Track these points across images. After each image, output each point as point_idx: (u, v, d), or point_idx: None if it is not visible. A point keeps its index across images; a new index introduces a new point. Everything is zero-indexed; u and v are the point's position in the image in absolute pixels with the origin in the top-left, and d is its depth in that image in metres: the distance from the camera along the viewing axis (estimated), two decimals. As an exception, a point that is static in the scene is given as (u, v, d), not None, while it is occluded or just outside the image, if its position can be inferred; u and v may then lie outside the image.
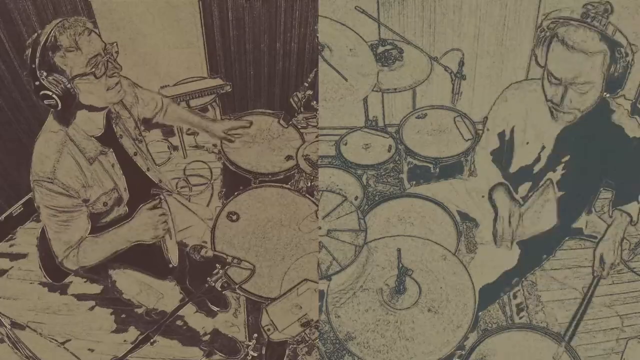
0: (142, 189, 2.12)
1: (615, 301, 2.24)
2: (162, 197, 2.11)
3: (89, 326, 2.27)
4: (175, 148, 2.63)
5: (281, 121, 2.47)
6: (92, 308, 2.32)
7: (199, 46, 2.52)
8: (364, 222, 2.15)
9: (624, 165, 2.10)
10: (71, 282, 2.32)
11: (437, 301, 1.98)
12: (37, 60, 1.76)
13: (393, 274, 2.04)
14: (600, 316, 2.22)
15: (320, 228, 2.15)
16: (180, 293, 2.22)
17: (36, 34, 1.79)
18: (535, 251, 2.22)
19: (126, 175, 2.06)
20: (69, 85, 1.80)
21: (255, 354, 2.19)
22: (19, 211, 2.55)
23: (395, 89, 2.42)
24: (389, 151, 2.48)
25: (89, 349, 2.21)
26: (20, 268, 2.42)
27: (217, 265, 1.99)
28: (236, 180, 2.35)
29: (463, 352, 1.99)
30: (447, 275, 2.04)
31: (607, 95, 2.00)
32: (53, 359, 2.18)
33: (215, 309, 2.33)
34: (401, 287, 2.00)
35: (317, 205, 2.21)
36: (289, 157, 2.38)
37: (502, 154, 2.21)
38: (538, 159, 2.15)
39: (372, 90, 2.35)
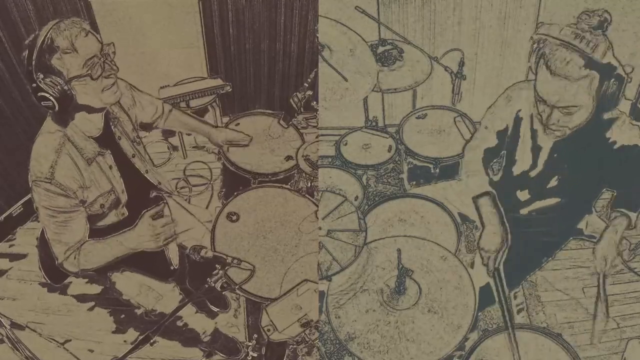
0: (140, 191, 2.11)
1: (616, 301, 2.24)
2: (165, 201, 2.10)
3: (88, 326, 2.27)
4: (175, 148, 2.63)
5: (281, 121, 2.47)
6: (91, 308, 2.31)
7: (199, 46, 2.52)
8: (364, 223, 2.15)
9: (622, 173, 2.07)
10: (71, 282, 2.32)
11: (437, 302, 1.98)
12: (33, 63, 1.76)
13: (393, 275, 2.04)
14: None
15: (320, 228, 2.14)
16: (180, 294, 2.22)
17: (33, 35, 1.78)
18: (536, 252, 2.22)
19: (125, 177, 2.06)
20: (66, 87, 1.80)
21: (255, 354, 2.19)
22: (18, 211, 2.55)
23: (395, 89, 2.41)
24: (389, 151, 2.48)
25: (89, 350, 2.21)
26: (20, 268, 2.42)
27: (217, 265, 1.99)
28: (236, 181, 2.35)
29: (463, 353, 1.99)
30: (447, 275, 2.04)
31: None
32: (53, 360, 2.19)
33: (215, 309, 2.33)
34: (401, 287, 2.00)
35: (317, 206, 2.21)
36: (288, 158, 2.38)
37: (497, 154, 2.19)
38: (535, 165, 2.13)
39: (372, 90, 2.34)
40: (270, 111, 2.56)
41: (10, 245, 2.52)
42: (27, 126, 2.38)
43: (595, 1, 2.02)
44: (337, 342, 2.00)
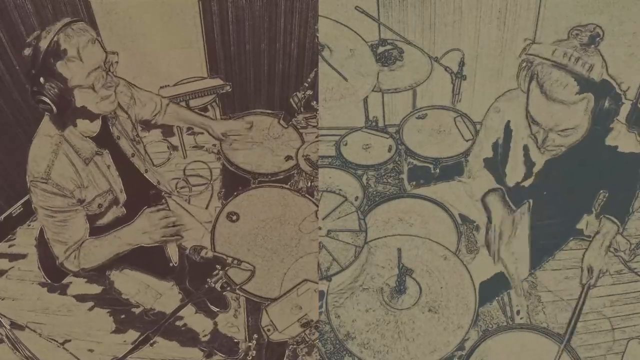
0: (140, 191, 2.11)
1: (616, 301, 2.24)
2: (165, 200, 2.10)
3: (88, 327, 2.26)
4: (175, 148, 2.63)
5: (281, 121, 2.47)
6: (91, 308, 2.31)
7: (198, 46, 2.52)
8: (364, 223, 2.15)
9: (616, 179, 2.04)
10: (70, 282, 2.32)
11: (438, 301, 1.98)
12: (37, 66, 1.75)
13: (393, 274, 2.04)
14: (601, 317, 2.22)
15: (320, 228, 2.14)
16: (180, 294, 2.22)
17: (36, 33, 1.77)
18: (536, 252, 2.22)
19: (124, 177, 2.05)
20: (66, 93, 1.80)
21: (255, 354, 2.19)
22: (18, 211, 2.54)
23: (396, 89, 2.41)
24: (389, 151, 2.48)
25: (89, 350, 2.21)
26: (19, 268, 2.42)
27: (217, 266, 1.99)
28: (236, 181, 2.35)
29: (463, 353, 1.98)
30: (447, 275, 2.03)
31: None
32: (53, 360, 2.18)
33: (215, 309, 2.32)
34: (401, 287, 2.00)
35: (317, 206, 2.21)
36: (288, 158, 2.38)
37: (496, 165, 2.18)
38: (529, 174, 2.12)
39: (372, 91, 2.35)
40: (270, 111, 2.56)
41: (10, 245, 2.51)
42: (27, 127, 2.37)
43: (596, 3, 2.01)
44: (337, 341, 2.00)
